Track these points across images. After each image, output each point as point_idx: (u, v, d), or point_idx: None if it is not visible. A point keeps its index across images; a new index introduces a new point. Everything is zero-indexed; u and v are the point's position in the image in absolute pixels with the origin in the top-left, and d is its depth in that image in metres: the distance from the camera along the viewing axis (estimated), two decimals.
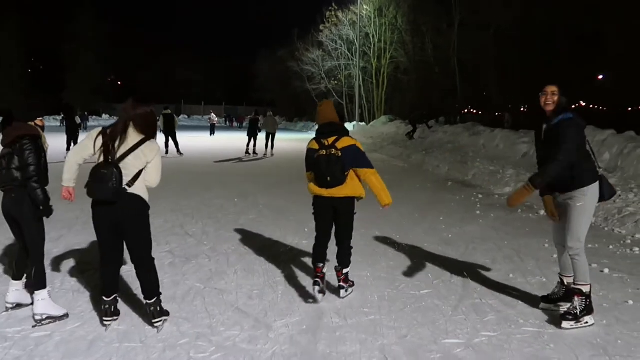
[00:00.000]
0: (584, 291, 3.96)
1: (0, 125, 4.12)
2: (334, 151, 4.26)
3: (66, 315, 3.96)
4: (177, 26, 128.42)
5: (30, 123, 4.04)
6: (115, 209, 3.60)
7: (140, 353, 3.45)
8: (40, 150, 3.91)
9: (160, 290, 3.89)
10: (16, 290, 4.11)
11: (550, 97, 3.93)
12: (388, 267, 5.43)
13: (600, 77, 29.23)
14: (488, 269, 5.38)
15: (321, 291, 4.39)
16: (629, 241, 6.57)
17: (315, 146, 4.40)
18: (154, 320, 3.78)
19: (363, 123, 38.92)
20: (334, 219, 4.45)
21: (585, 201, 3.91)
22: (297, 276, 5.07)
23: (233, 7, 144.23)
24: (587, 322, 3.93)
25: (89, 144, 3.67)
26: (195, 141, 26.70)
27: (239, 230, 6.96)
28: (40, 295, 3.89)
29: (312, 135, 4.79)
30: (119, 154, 3.61)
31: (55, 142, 7.45)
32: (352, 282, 4.68)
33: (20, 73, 54.30)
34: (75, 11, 60.34)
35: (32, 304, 3.98)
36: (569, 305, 4.01)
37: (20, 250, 4.09)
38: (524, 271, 5.32)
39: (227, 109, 75.12)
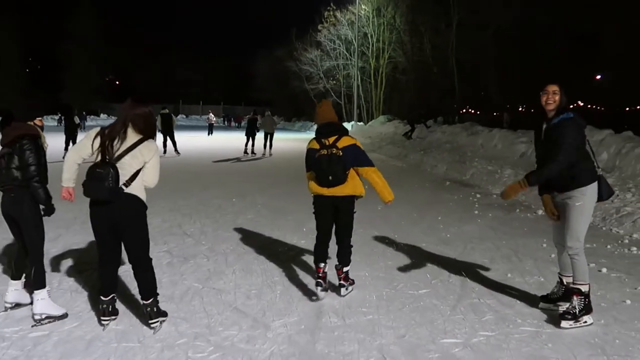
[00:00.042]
0: (583, 290, 3.96)
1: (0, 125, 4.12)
2: (335, 150, 4.31)
3: (65, 315, 3.96)
4: (177, 26, 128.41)
5: (29, 123, 4.04)
6: (112, 208, 3.59)
7: (138, 353, 3.44)
8: (40, 149, 3.92)
9: (158, 291, 3.88)
10: (15, 289, 4.11)
11: (552, 96, 3.92)
12: (386, 266, 5.43)
13: (598, 77, 29.28)
14: (486, 269, 5.39)
15: (324, 289, 4.45)
16: (626, 241, 6.58)
17: (316, 146, 4.43)
18: (150, 321, 3.77)
19: (361, 123, 38.93)
20: (335, 217, 4.49)
21: (584, 201, 3.91)
22: (295, 276, 5.07)
23: (233, 7, 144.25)
24: (585, 322, 3.93)
25: (87, 143, 3.67)
26: (193, 141, 26.69)
27: (237, 230, 6.96)
28: (40, 294, 3.88)
29: (311, 135, 4.81)
30: (116, 154, 3.60)
31: (53, 142, 7.42)
32: (352, 280, 4.71)
33: (18, 72, 54.20)
34: (74, 11, 60.20)
35: (31, 303, 3.98)
36: (568, 304, 4.02)
37: (19, 250, 4.09)
38: (522, 271, 5.33)
39: (226, 108, 75.02)
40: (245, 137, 19.29)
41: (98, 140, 3.64)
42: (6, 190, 3.89)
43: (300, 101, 52.71)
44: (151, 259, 3.85)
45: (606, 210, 7.68)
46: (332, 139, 4.37)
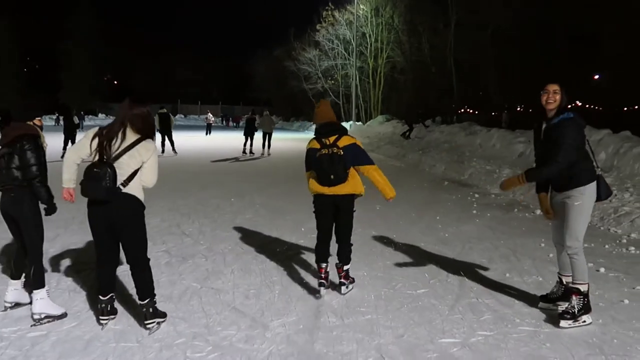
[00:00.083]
0: (582, 290, 3.97)
1: None
2: (335, 150, 4.34)
3: (65, 314, 3.96)
4: (176, 26, 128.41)
5: (29, 122, 4.04)
6: (110, 208, 3.59)
7: (137, 353, 3.44)
8: (40, 149, 3.92)
9: (156, 291, 3.88)
10: (15, 289, 4.11)
11: (552, 95, 3.92)
12: (385, 266, 5.43)
13: (596, 77, 29.32)
14: (484, 268, 5.39)
15: (326, 289, 4.51)
16: (624, 240, 6.59)
17: (316, 145, 4.45)
18: (146, 322, 3.76)
19: (360, 123, 38.92)
20: (335, 217, 4.51)
21: (583, 200, 3.92)
22: (294, 276, 5.07)
23: (232, 7, 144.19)
24: (584, 321, 3.94)
25: (86, 143, 3.66)
26: (191, 141, 26.67)
27: (235, 230, 6.95)
28: (39, 294, 3.88)
29: (309, 134, 4.83)
30: (114, 154, 3.60)
31: (52, 142, 7.40)
32: (353, 278, 4.73)
33: (16, 72, 54.12)
34: (73, 10, 60.05)
35: (30, 303, 3.98)
36: (567, 304, 4.03)
37: (19, 250, 4.09)
38: (520, 270, 5.33)
39: (224, 108, 74.91)
40: (244, 137, 19.29)
41: (96, 140, 3.64)
42: (6, 190, 3.89)
43: (299, 101, 52.68)
44: (149, 259, 3.84)
45: (604, 210, 7.69)
46: (332, 139, 4.40)
